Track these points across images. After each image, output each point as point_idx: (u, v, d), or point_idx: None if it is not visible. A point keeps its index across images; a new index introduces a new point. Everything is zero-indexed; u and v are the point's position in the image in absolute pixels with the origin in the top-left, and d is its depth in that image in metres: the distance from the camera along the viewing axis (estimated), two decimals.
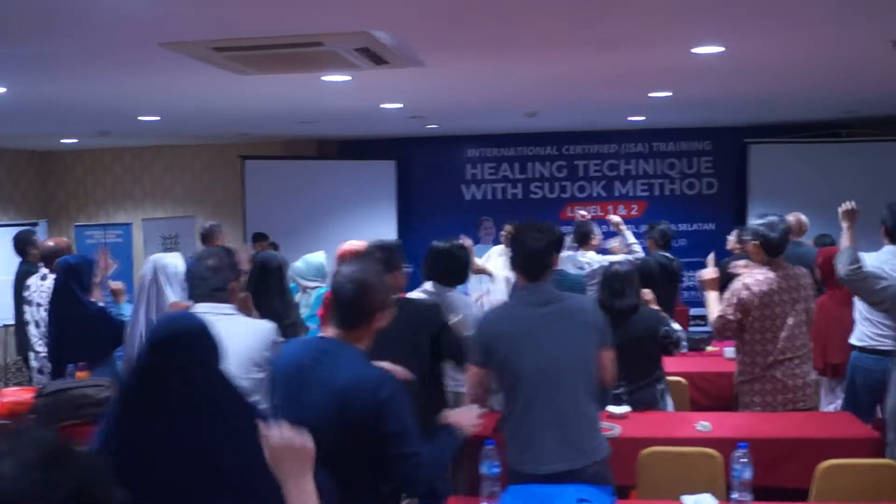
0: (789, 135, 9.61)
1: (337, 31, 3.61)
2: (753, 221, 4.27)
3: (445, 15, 3.52)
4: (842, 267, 3.98)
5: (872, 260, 4.26)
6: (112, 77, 4.82)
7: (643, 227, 10.24)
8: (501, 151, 10.47)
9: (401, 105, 6.60)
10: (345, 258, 4.24)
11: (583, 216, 6.70)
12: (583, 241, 6.15)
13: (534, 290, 3.04)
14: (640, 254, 6.06)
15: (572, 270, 5.77)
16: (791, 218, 5.60)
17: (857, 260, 3.96)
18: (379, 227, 9.98)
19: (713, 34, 4.10)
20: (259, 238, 8.40)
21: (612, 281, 4.41)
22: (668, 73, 5.32)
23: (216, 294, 3.09)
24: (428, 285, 4.31)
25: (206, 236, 6.64)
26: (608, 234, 6.98)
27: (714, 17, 3.71)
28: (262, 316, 3.77)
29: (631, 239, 6.20)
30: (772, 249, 4.00)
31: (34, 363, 5.18)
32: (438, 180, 10.51)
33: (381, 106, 6.59)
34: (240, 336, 2.87)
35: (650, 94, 6.41)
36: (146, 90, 5.39)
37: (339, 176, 9.99)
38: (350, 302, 2.36)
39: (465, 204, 10.47)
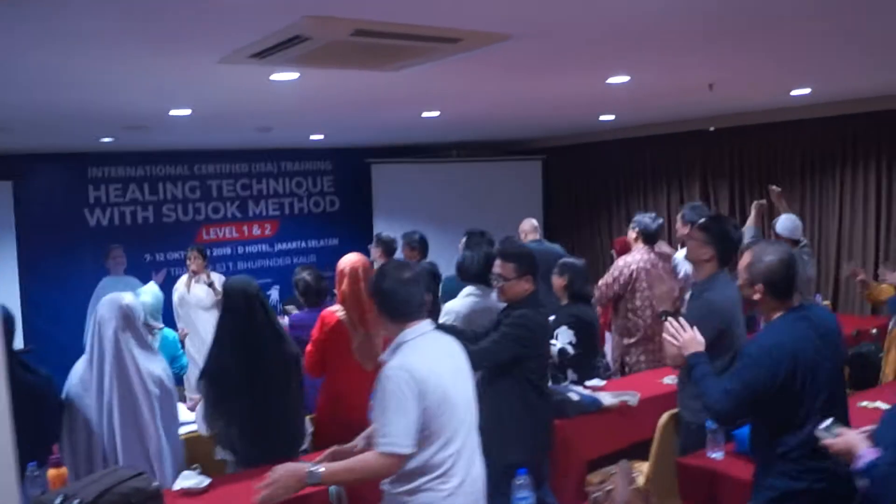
0: (406, 156, 10.77)
1: (482, 29, 3.42)
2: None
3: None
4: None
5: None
6: None
7: (278, 247, 10.40)
8: (128, 171, 9.36)
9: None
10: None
11: None
12: None
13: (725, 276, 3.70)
14: None
15: None
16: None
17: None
18: None
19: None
20: None
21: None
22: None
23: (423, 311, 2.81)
24: (471, 289, 4.26)
25: None
26: None
27: None
28: None
29: None
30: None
31: None
32: (59, 205, 8.89)
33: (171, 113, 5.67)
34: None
35: (423, 115, 6.86)
36: None
37: None
38: None
39: (90, 231, 9.07)
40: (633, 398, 4.50)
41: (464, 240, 5.79)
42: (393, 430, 2.52)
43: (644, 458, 4.50)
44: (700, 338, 3.05)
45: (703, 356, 3.01)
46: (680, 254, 5.66)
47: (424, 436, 2.57)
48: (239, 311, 3.50)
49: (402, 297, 2.67)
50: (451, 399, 2.63)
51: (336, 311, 4.08)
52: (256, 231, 10.31)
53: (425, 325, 2.73)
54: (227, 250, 10.03)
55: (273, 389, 3.55)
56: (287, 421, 3.63)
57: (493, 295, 4.09)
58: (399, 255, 6.61)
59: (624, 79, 5.20)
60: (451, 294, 4.93)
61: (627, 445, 4.53)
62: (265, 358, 3.50)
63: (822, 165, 7.82)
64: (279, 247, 10.46)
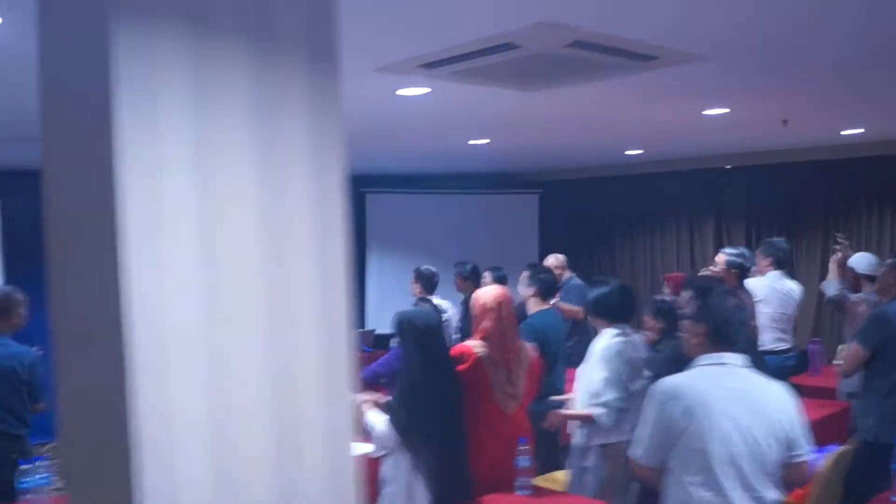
0: (402, 186, 10.43)
1: (683, 49, 3.22)
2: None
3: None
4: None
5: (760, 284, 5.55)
6: None
7: None
8: None
9: None
10: None
11: None
12: None
13: None
14: None
15: None
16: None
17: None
18: None
19: None
20: None
21: None
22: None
23: None
24: (613, 330, 3.96)
25: None
26: None
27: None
28: None
29: None
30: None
31: None
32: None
33: None
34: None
35: (470, 142, 6.59)
36: None
37: None
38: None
39: None
40: None
41: (526, 273, 5.46)
42: (637, 434, 2.64)
43: None
44: None
45: None
46: (751, 282, 5.56)
47: (678, 463, 2.50)
48: (429, 343, 3.43)
49: (735, 323, 2.59)
50: (713, 437, 2.41)
51: (474, 346, 3.73)
52: None
53: (734, 357, 2.56)
54: None
55: (459, 422, 3.49)
56: (465, 456, 3.44)
57: (634, 334, 3.90)
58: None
59: (723, 111, 5.10)
60: (546, 331, 4.67)
61: None
62: (454, 389, 3.45)
63: (845, 207, 7.91)
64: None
